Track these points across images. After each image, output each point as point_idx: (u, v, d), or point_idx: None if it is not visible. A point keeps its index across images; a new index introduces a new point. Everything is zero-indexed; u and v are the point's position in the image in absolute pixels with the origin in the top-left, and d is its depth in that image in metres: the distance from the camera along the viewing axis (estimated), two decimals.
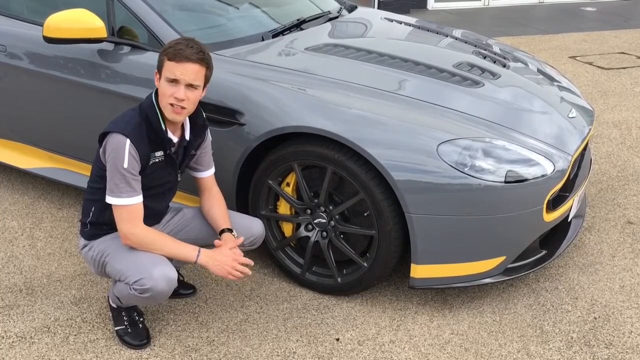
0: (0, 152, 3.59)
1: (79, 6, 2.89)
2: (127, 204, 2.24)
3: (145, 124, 2.26)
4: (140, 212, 2.28)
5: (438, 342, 2.58)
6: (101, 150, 2.28)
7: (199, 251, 2.30)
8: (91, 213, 2.40)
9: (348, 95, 2.68)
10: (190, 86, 2.23)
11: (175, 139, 2.35)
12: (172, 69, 2.20)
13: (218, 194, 2.56)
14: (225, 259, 2.30)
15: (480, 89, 2.90)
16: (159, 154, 2.31)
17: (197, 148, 2.48)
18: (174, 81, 2.21)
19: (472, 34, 4.02)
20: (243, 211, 2.82)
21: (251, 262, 2.36)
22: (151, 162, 2.30)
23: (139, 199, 2.26)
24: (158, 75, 2.27)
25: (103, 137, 2.27)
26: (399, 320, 2.70)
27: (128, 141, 2.20)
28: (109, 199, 2.25)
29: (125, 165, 2.19)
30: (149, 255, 2.30)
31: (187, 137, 2.39)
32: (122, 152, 2.19)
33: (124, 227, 2.26)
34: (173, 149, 2.36)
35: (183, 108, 2.24)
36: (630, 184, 3.97)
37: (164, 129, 2.29)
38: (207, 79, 2.31)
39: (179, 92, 2.21)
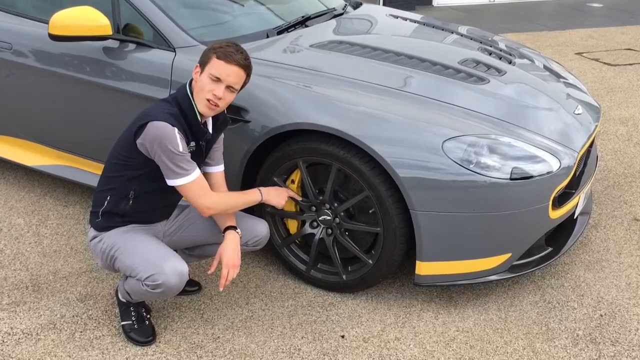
0: (7, 150, 3.60)
1: (84, 4, 2.89)
2: (195, 177, 2.31)
3: (182, 115, 2.31)
4: (205, 182, 2.37)
5: (443, 339, 2.58)
6: (139, 140, 2.27)
7: (261, 191, 2.56)
8: (106, 202, 2.40)
9: (353, 92, 2.68)
10: (229, 88, 2.31)
11: (207, 130, 2.41)
12: (219, 67, 2.27)
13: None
14: (279, 190, 2.66)
15: (485, 85, 2.89)
16: (193, 144, 2.37)
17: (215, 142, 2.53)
18: (217, 79, 2.28)
19: (478, 30, 4.01)
20: (248, 208, 2.82)
21: (296, 196, 2.74)
22: (188, 152, 2.34)
23: (198, 170, 2.35)
24: (199, 69, 2.32)
25: (141, 127, 2.26)
26: (404, 318, 2.70)
27: (176, 129, 2.24)
28: (177, 182, 2.29)
29: (181, 149, 2.24)
30: (159, 250, 2.34)
31: (210, 130, 2.43)
32: (174, 138, 2.23)
33: (200, 202, 2.34)
34: (203, 141, 2.41)
35: (217, 106, 2.31)
36: (637, 180, 3.95)
37: (199, 120, 2.34)
38: (243, 86, 2.39)
39: (219, 90, 2.28)
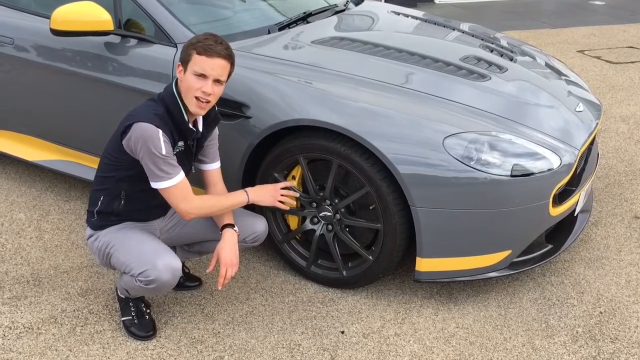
0: (8, 144, 3.61)
1: None
2: (178, 182, 2.28)
3: (168, 115, 2.29)
4: (189, 185, 2.33)
5: (443, 335, 2.58)
6: (125, 140, 2.27)
7: (247, 192, 2.48)
8: (100, 202, 2.41)
9: (354, 88, 2.68)
10: (216, 81, 2.27)
11: (195, 129, 2.39)
12: (202, 63, 2.23)
13: (223, 190, 2.57)
14: (268, 190, 2.57)
15: (486, 82, 2.89)
16: (181, 144, 2.35)
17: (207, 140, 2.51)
18: (201, 75, 2.24)
19: (480, 27, 4.01)
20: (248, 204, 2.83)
21: (290, 184, 2.66)
22: (175, 152, 2.32)
23: (182, 173, 2.31)
24: (182, 68, 2.29)
25: (127, 128, 2.26)
26: (404, 314, 2.71)
27: (160, 131, 2.22)
28: (159, 185, 2.27)
29: (164, 152, 2.22)
30: (152, 246, 2.34)
31: (201, 129, 2.42)
32: (157, 140, 2.21)
33: (182, 206, 2.31)
34: (192, 140, 2.39)
35: (208, 102, 2.28)
36: (638, 178, 3.95)
37: (186, 119, 2.31)
38: (229, 75, 2.36)
39: (206, 86, 2.24)
